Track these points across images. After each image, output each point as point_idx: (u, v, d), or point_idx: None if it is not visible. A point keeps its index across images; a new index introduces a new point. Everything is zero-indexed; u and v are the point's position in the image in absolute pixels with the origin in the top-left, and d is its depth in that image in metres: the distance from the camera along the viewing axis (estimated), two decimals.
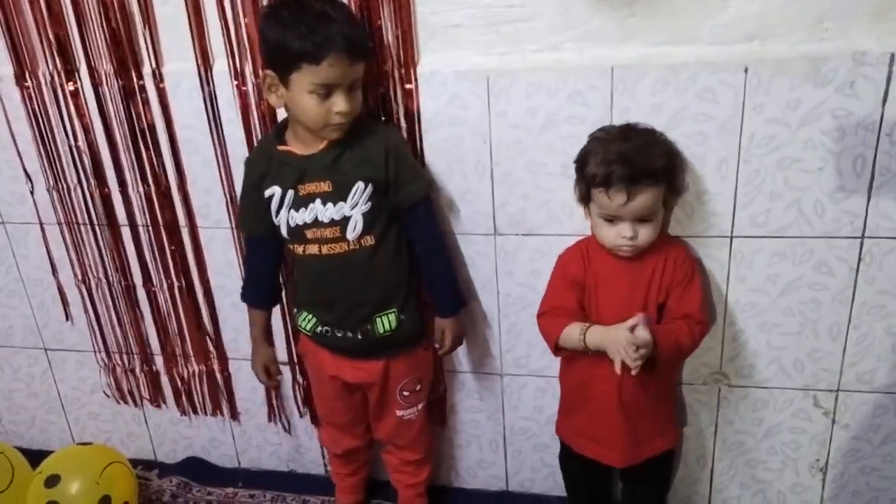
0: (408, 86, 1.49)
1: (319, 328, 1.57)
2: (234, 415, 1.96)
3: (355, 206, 1.43)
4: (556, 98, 1.44)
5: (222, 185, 1.67)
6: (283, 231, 1.49)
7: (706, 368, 1.62)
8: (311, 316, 1.57)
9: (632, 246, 1.39)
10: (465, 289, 1.64)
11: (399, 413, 1.65)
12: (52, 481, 1.71)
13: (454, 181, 1.57)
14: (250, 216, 1.54)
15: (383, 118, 1.54)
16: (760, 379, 1.61)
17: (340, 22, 1.30)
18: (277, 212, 1.48)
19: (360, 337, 1.54)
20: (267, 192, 1.47)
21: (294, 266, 1.58)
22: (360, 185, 1.43)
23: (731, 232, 1.48)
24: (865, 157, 1.37)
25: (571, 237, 1.53)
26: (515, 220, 1.57)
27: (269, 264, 1.60)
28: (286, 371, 1.85)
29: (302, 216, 1.45)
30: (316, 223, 1.45)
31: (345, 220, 1.44)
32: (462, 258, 1.64)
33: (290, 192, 1.45)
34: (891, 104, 1.32)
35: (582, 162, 1.40)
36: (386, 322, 1.53)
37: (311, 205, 1.44)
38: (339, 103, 1.34)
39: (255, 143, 1.60)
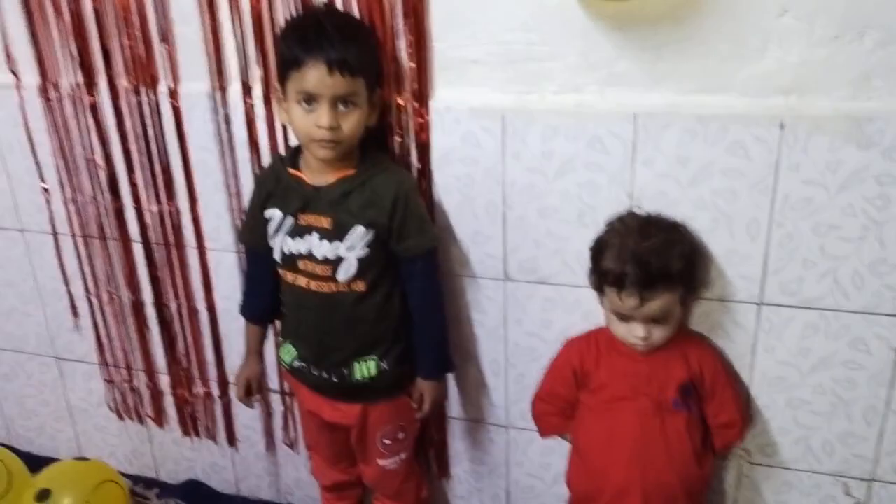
0: (420, 119, 1.42)
1: (297, 363, 1.51)
2: (232, 441, 1.92)
3: (351, 248, 1.37)
4: (574, 143, 1.35)
5: (231, 209, 1.64)
6: (276, 255, 1.44)
7: None
8: (293, 349, 1.51)
9: (646, 345, 1.32)
10: (469, 338, 1.57)
11: (381, 462, 1.56)
12: (43, 496, 1.69)
13: (464, 221, 1.49)
14: (251, 230, 1.50)
15: (395, 149, 1.47)
16: (786, 459, 1.47)
17: (331, 34, 1.27)
18: (274, 235, 1.43)
19: (335, 380, 1.47)
20: (267, 213, 1.43)
21: (282, 292, 1.51)
22: (360, 228, 1.36)
23: (761, 298, 1.36)
24: None
25: (584, 289, 1.43)
26: (526, 266, 1.48)
27: (268, 279, 1.52)
28: (276, 399, 1.80)
29: (297, 245, 1.40)
30: (310, 256, 1.39)
31: (338, 261, 1.38)
32: (469, 303, 1.55)
33: (290, 219, 1.40)
34: None
35: (597, 252, 1.33)
36: (365, 368, 1.45)
37: (307, 236, 1.39)
38: (321, 117, 1.28)
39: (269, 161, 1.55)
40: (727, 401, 1.37)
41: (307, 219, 1.39)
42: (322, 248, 1.38)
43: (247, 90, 1.52)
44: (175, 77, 1.56)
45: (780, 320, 1.37)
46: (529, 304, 1.52)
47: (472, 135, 1.41)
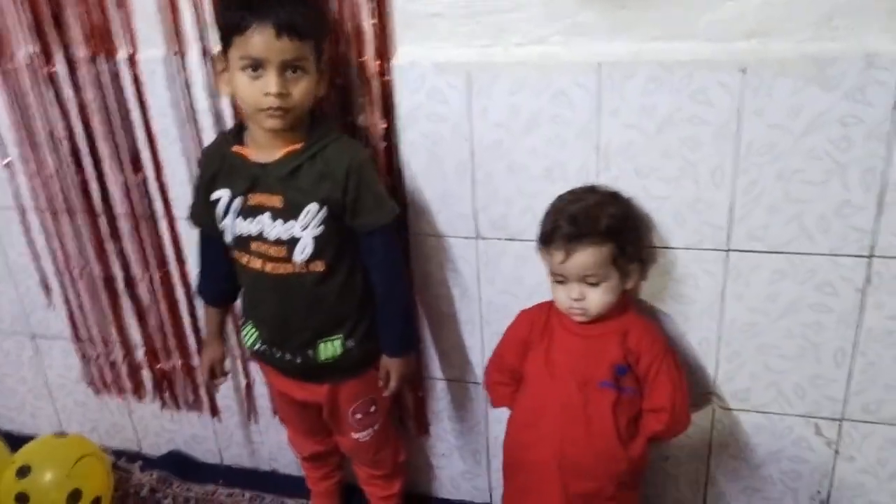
0: (384, 77, 1.40)
1: (259, 346, 1.47)
2: (215, 411, 1.92)
3: (306, 227, 1.32)
4: (540, 97, 1.34)
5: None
6: (228, 237, 1.39)
7: (697, 388, 1.50)
8: (253, 330, 1.48)
9: (581, 309, 1.33)
10: (443, 298, 1.57)
11: (355, 435, 1.55)
12: (24, 472, 1.69)
13: (434, 181, 1.48)
14: (199, 211, 1.45)
15: (358, 110, 1.45)
16: (758, 403, 1.50)
17: None
18: (223, 217, 1.37)
19: (298, 361, 1.44)
20: (214, 195, 1.37)
21: (238, 275, 1.47)
22: (313, 205, 1.31)
23: (728, 245, 1.37)
24: (875, 170, 1.24)
25: None
26: (497, 224, 1.48)
27: (223, 260, 1.47)
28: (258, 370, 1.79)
29: (247, 226, 1.35)
30: (261, 237, 1.35)
31: (293, 241, 1.33)
32: (441, 263, 1.55)
33: (239, 199, 1.35)
34: None
35: (542, 221, 1.36)
36: (329, 348, 1.42)
37: (259, 216, 1.34)
38: (269, 83, 1.22)
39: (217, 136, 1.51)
40: (660, 387, 1.36)
41: (257, 198, 1.34)
42: (275, 228, 1.33)
43: (206, 54, 1.49)
44: (133, 44, 1.53)
45: (747, 266, 1.38)
46: (501, 262, 1.52)
47: (437, 91, 1.39)
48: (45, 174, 1.73)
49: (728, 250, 1.37)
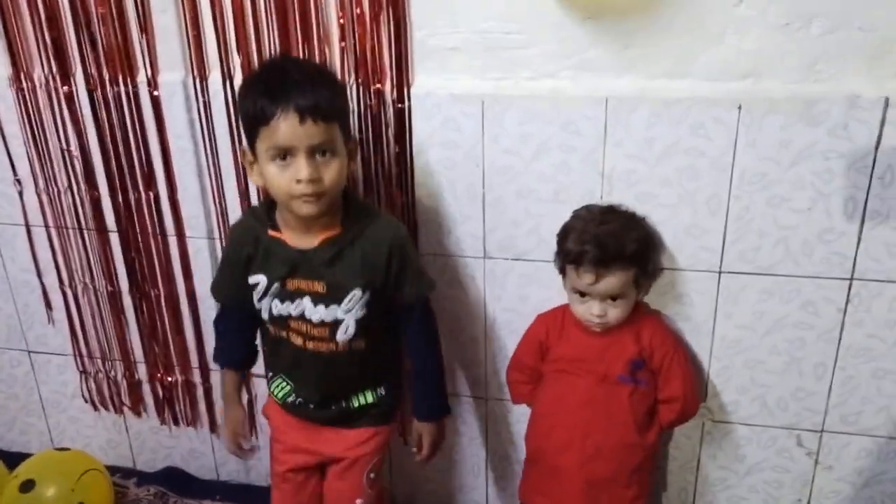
0: (400, 105, 1.49)
1: (292, 398, 1.46)
2: (214, 427, 1.95)
3: (349, 311, 1.33)
4: (549, 126, 1.44)
5: (213, 196, 1.67)
6: (264, 315, 1.38)
7: None
8: (286, 385, 1.47)
9: (601, 323, 1.43)
10: (450, 315, 1.64)
11: (359, 502, 1.50)
12: (27, 486, 1.70)
13: (445, 203, 1.56)
14: (227, 287, 1.44)
15: (379, 135, 1.53)
16: (744, 415, 1.60)
17: (300, 81, 1.20)
18: (260, 299, 1.36)
19: (333, 408, 1.45)
20: (252, 279, 1.36)
21: (269, 344, 1.47)
22: (357, 291, 1.32)
23: (720, 267, 1.48)
24: (857, 200, 1.36)
25: None
26: (505, 244, 1.57)
27: (245, 329, 1.48)
28: (262, 384, 1.82)
29: (287, 308, 1.35)
30: (302, 318, 1.35)
31: (336, 323, 1.34)
32: (450, 281, 1.63)
33: (277, 285, 1.34)
34: (884, 148, 1.32)
35: (562, 237, 1.44)
36: (363, 398, 1.45)
37: (298, 300, 1.34)
38: (300, 170, 1.19)
39: (245, 211, 1.52)
40: (672, 378, 1.48)
41: (296, 284, 1.33)
42: (317, 311, 1.33)
43: (228, 78, 1.55)
44: (154, 67, 1.58)
45: (737, 286, 1.49)
46: (508, 280, 1.60)
47: (451, 119, 1.48)
48: (55, 190, 1.76)
49: (720, 272, 1.48)
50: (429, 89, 1.48)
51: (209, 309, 1.79)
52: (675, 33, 1.34)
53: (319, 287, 1.32)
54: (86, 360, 1.96)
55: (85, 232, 1.79)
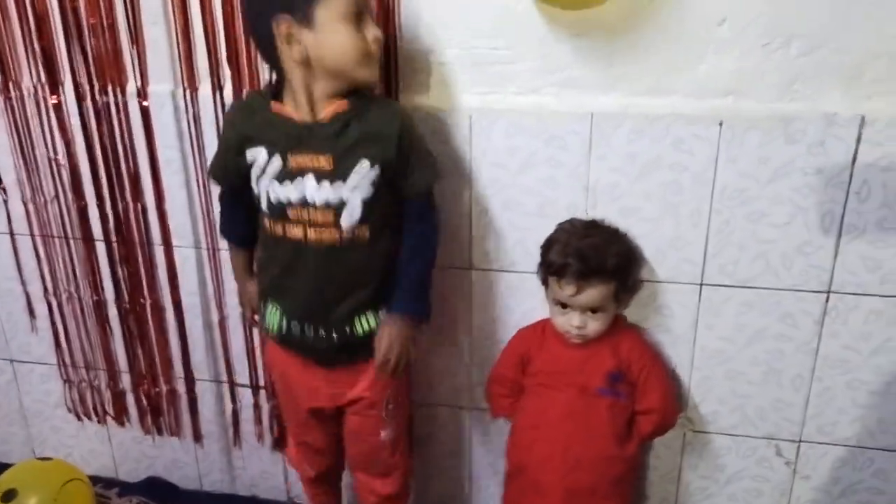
0: None
1: (286, 323, 1.38)
2: (198, 437, 1.95)
3: (355, 188, 1.26)
4: (535, 140, 1.47)
5: (201, 206, 1.67)
6: (263, 204, 1.32)
7: None
8: (276, 309, 1.39)
9: (580, 335, 1.45)
10: (436, 326, 1.64)
11: (383, 434, 1.47)
12: (9, 496, 1.68)
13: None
14: (225, 167, 1.39)
15: None
16: (725, 426, 1.63)
17: None
18: (258, 179, 1.30)
19: (335, 336, 1.36)
20: (249, 155, 1.30)
21: (264, 247, 1.40)
22: (365, 163, 1.26)
23: (702, 280, 1.51)
24: (834, 214, 1.40)
25: None
26: (491, 255, 1.59)
27: (248, 209, 1.41)
28: (246, 393, 1.84)
29: (286, 192, 1.28)
30: (303, 203, 1.28)
31: (341, 205, 1.27)
32: (435, 293, 1.63)
33: (277, 160, 1.27)
34: (860, 164, 1.36)
35: (546, 249, 1.47)
36: (366, 322, 1.37)
37: (299, 179, 1.27)
38: (373, 29, 1.22)
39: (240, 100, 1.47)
40: (650, 390, 1.50)
41: (299, 160, 1.27)
42: (322, 191, 1.27)
43: (217, 89, 1.56)
44: (144, 77, 1.59)
45: (718, 299, 1.52)
46: (492, 291, 1.62)
47: (439, 132, 1.50)
48: (41, 199, 1.76)
49: (701, 284, 1.51)
50: (417, 103, 1.50)
51: (195, 318, 1.80)
52: (657, 52, 1.38)
53: (325, 162, 1.26)
54: (69, 369, 1.95)
55: (71, 241, 1.79)
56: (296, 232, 1.31)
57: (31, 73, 1.64)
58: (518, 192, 1.52)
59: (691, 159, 1.42)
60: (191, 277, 1.77)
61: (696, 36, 1.35)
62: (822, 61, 1.32)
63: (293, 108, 1.28)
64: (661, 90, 1.41)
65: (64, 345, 1.92)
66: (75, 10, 1.55)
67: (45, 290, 1.87)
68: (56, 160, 1.71)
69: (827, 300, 1.47)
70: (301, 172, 1.27)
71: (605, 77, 1.42)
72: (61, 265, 1.83)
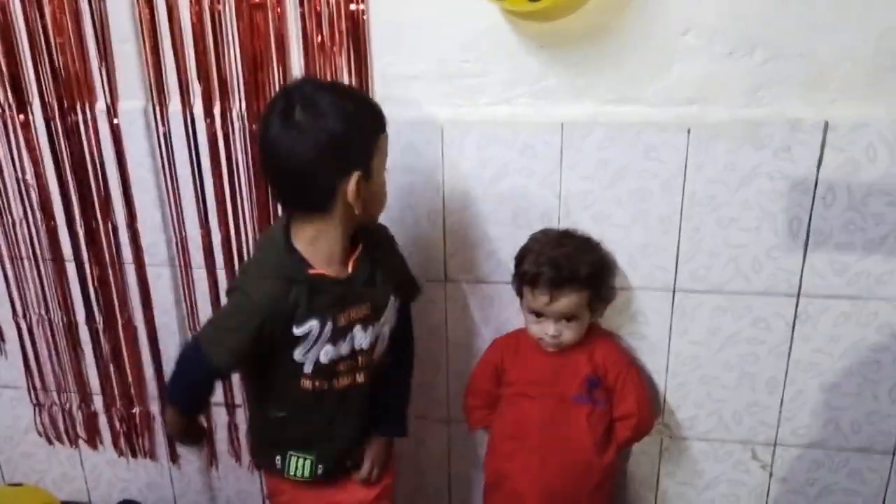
0: None
1: (320, 467, 1.36)
2: (174, 458, 1.92)
3: (386, 322, 1.32)
4: (507, 150, 1.48)
5: (172, 224, 1.66)
6: (307, 368, 1.26)
7: None
8: (305, 458, 1.36)
9: (555, 343, 1.47)
10: (415, 334, 1.64)
11: None
12: None
13: (407, 228, 1.58)
14: (235, 350, 1.24)
15: None
16: (701, 431, 1.64)
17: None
18: (307, 350, 1.24)
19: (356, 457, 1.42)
20: (299, 331, 1.22)
21: (293, 408, 1.32)
22: (391, 298, 1.32)
23: (674, 286, 1.52)
24: (801, 219, 1.42)
25: None
26: (465, 267, 1.59)
27: (212, 391, 1.39)
28: (221, 413, 1.82)
29: (338, 350, 1.26)
30: (352, 354, 1.28)
31: (378, 342, 1.32)
32: (411, 306, 1.64)
33: (329, 326, 1.24)
34: (825, 169, 1.39)
35: (519, 259, 1.48)
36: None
37: (349, 335, 1.27)
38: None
39: (258, 264, 1.33)
40: (626, 395, 1.51)
41: (348, 316, 1.26)
42: (367, 336, 1.29)
43: (187, 106, 1.56)
44: (113, 95, 1.58)
45: (691, 305, 1.53)
46: (468, 303, 1.63)
47: (411, 146, 1.51)
48: (9, 220, 1.74)
49: (674, 290, 1.53)
50: (390, 116, 1.50)
51: (168, 336, 1.78)
52: (625, 61, 1.40)
53: (366, 309, 1.28)
54: (40, 392, 1.92)
55: (41, 262, 1.77)
56: (344, 382, 1.30)
57: None
58: (491, 203, 1.53)
59: (661, 166, 1.44)
60: (164, 296, 1.75)
61: (663, 45, 1.37)
62: (786, 68, 1.35)
63: (323, 265, 1.23)
64: (629, 99, 1.42)
65: (34, 368, 1.89)
66: (43, 29, 1.54)
67: (14, 312, 1.84)
68: (24, 180, 1.69)
69: (797, 304, 1.49)
70: (350, 327, 1.27)
71: (575, 86, 1.43)
72: (31, 287, 1.80)
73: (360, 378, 1.32)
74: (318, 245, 1.22)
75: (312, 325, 1.23)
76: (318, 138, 1.13)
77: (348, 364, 1.29)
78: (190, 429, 1.44)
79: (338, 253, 1.24)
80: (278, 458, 1.37)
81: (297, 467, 1.36)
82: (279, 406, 1.33)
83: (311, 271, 1.22)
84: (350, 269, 1.26)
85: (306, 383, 1.28)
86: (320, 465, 1.36)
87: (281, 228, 1.25)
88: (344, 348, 1.27)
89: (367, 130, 1.19)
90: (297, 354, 1.24)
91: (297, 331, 1.22)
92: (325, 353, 1.25)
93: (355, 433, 1.38)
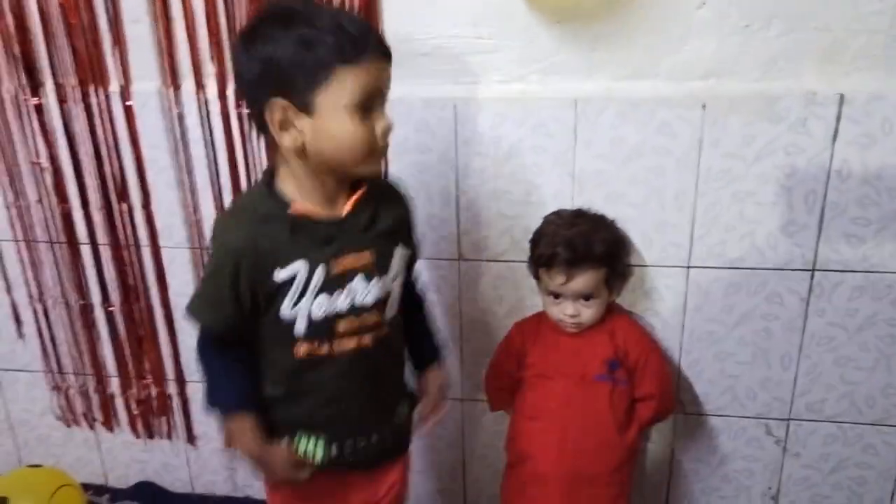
0: None
1: (334, 448, 1.21)
2: (191, 438, 1.93)
3: (396, 277, 1.17)
4: (520, 128, 1.48)
5: (187, 205, 1.67)
6: (300, 327, 1.11)
7: None
8: (317, 440, 1.20)
9: (574, 323, 1.47)
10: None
11: None
12: None
13: (420, 206, 1.55)
14: (226, 306, 1.11)
15: None
16: (715, 407, 1.65)
17: (357, 21, 1.07)
18: (295, 302, 1.10)
19: (387, 434, 1.25)
20: (283, 274, 1.08)
21: (290, 379, 1.17)
22: (400, 249, 1.18)
23: (689, 262, 1.52)
24: (816, 193, 1.42)
25: None
26: (479, 246, 1.59)
27: (241, 363, 1.19)
28: None
29: (333, 304, 1.11)
30: (353, 309, 1.13)
31: (386, 298, 1.16)
32: (425, 284, 1.64)
33: (320, 271, 1.09)
34: (840, 143, 1.38)
35: (534, 242, 1.48)
36: (402, 408, 1.29)
37: (348, 286, 1.12)
38: (385, 120, 1.07)
39: (231, 208, 1.30)
40: (648, 376, 1.52)
41: (344, 263, 1.11)
42: (371, 290, 1.13)
43: (201, 87, 1.56)
44: (126, 76, 1.58)
45: (706, 281, 1.54)
46: (482, 282, 1.63)
47: (424, 123, 1.51)
48: (24, 204, 1.74)
49: (689, 266, 1.53)
50: (401, 94, 1.49)
51: (183, 318, 1.78)
52: (639, 36, 1.39)
53: (368, 258, 1.13)
54: (56, 375, 1.93)
55: (56, 245, 1.77)
56: (346, 345, 1.14)
57: (10, 75, 1.62)
58: (504, 181, 1.53)
59: (675, 142, 1.43)
60: (179, 277, 1.76)
61: (678, 19, 1.37)
62: (801, 40, 1.34)
63: (312, 204, 1.11)
64: (643, 74, 1.42)
65: (51, 351, 1.90)
66: (56, 11, 1.54)
67: (31, 296, 1.85)
68: (38, 163, 1.70)
69: (812, 278, 1.49)
70: (348, 276, 1.12)
71: (588, 63, 1.43)
72: (47, 270, 1.81)
73: (365, 341, 1.15)
74: (303, 184, 1.10)
75: (297, 267, 1.08)
76: (253, 58, 1.03)
77: (350, 323, 1.13)
78: (263, 450, 1.19)
79: (326, 192, 1.11)
80: (286, 439, 1.20)
81: (307, 449, 1.20)
82: (274, 381, 1.18)
83: (294, 209, 1.09)
84: (347, 209, 1.12)
85: (301, 349, 1.13)
86: (339, 444, 1.20)
87: (267, 171, 1.16)
88: (342, 302, 1.11)
89: (311, 57, 1.00)
90: (285, 309, 1.10)
91: (280, 274, 1.08)
92: (319, 306, 1.10)
93: (370, 409, 1.21)
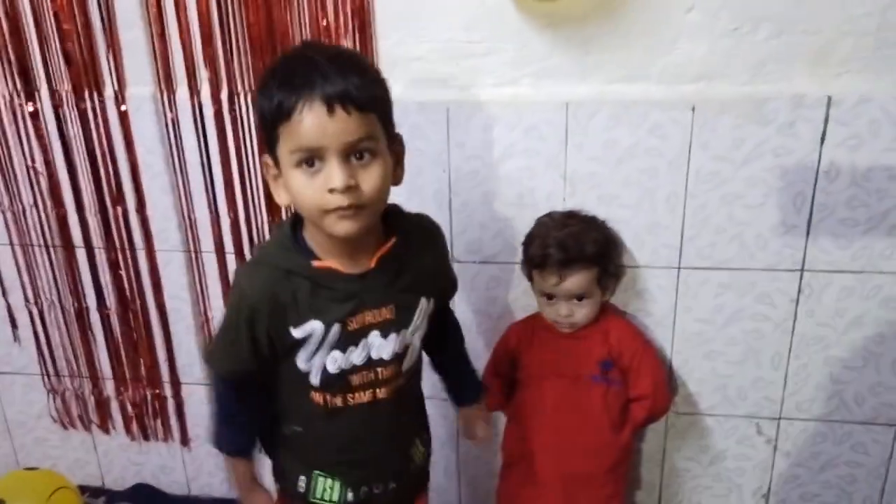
0: None
1: (352, 492, 1.20)
2: (186, 440, 1.94)
3: (416, 330, 1.14)
4: (513, 131, 1.49)
5: (181, 209, 1.68)
6: (314, 380, 1.11)
7: None
8: (336, 482, 1.19)
9: (569, 324, 1.48)
10: None
11: None
12: None
13: (412, 209, 1.56)
14: (240, 358, 1.12)
15: None
16: (706, 406, 1.66)
17: (324, 64, 0.95)
18: (311, 356, 1.09)
19: (403, 479, 1.25)
20: (299, 332, 1.07)
21: (308, 425, 1.18)
22: (423, 301, 1.14)
23: (679, 263, 1.54)
24: (805, 195, 1.44)
25: None
26: (472, 248, 1.61)
27: (255, 409, 1.20)
28: None
29: (349, 358, 1.09)
30: (369, 363, 1.11)
31: (405, 351, 1.14)
32: None
33: (336, 329, 1.07)
34: (828, 145, 1.40)
35: (527, 244, 1.50)
36: (418, 449, 1.28)
37: (363, 341, 1.09)
38: (333, 176, 0.95)
39: (255, 259, 1.24)
40: (642, 376, 1.53)
41: (361, 320, 1.09)
42: (388, 345, 1.11)
43: (195, 92, 1.57)
44: (121, 82, 1.59)
45: (696, 281, 1.55)
46: (476, 283, 1.64)
47: (418, 127, 1.52)
48: (19, 208, 1.75)
49: (679, 267, 1.54)
50: (395, 98, 1.51)
51: (180, 320, 1.80)
52: (630, 39, 1.41)
53: (388, 313, 1.10)
54: (53, 378, 1.94)
55: (51, 249, 1.78)
56: (361, 398, 1.13)
57: (5, 81, 1.63)
58: (497, 184, 1.54)
59: (666, 144, 1.45)
60: (174, 280, 1.77)
61: (668, 22, 1.38)
62: (790, 43, 1.36)
63: (333, 259, 1.07)
64: (635, 77, 1.44)
65: (47, 354, 1.91)
66: (50, 16, 1.55)
67: (27, 299, 1.86)
68: (34, 168, 1.70)
69: (801, 279, 1.51)
70: (364, 332, 1.09)
71: (580, 66, 1.44)
72: (42, 273, 1.82)
73: (381, 394, 1.14)
74: (314, 235, 1.08)
75: (314, 326, 1.07)
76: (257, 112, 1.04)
77: (364, 377, 1.12)
78: (253, 487, 1.27)
79: (347, 245, 1.05)
80: (302, 478, 1.21)
81: (324, 492, 1.20)
82: (294, 421, 1.19)
83: (317, 263, 1.06)
84: (371, 265, 1.08)
85: (317, 397, 1.13)
86: (355, 487, 1.20)
87: (292, 217, 1.12)
88: (357, 357, 1.10)
89: (265, 111, 0.98)
90: (301, 361, 1.09)
91: (296, 332, 1.07)
92: (333, 361, 1.09)
93: (386, 457, 1.22)
